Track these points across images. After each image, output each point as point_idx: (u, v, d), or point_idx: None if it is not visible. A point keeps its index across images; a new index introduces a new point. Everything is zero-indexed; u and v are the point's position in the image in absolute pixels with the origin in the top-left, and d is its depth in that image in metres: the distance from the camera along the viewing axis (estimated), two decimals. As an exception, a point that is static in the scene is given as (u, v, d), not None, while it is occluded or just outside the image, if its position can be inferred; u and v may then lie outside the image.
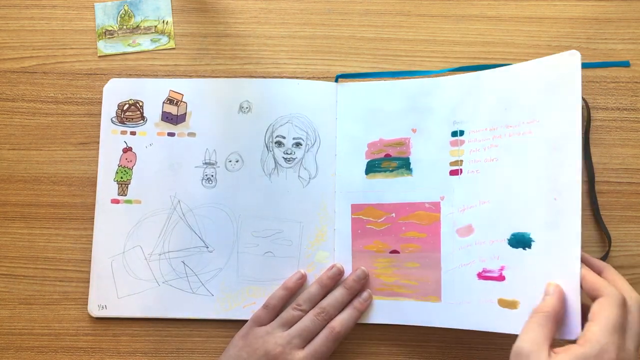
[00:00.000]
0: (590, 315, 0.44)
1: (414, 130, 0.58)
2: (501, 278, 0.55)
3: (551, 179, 0.52)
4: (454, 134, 0.57)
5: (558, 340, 0.51)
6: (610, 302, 0.44)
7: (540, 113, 0.53)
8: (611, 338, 0.42)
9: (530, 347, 0.43)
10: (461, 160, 0.56)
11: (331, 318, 0.54)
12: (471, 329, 0.54)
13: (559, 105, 0.52)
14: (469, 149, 0.56)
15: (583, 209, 0.55)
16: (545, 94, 0.52)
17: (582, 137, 0.58)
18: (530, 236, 0.54)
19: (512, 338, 0.56)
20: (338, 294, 0.55)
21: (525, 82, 0.54)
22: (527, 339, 0.44)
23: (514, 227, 0.54)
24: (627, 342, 0.43)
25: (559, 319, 0.46)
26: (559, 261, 0.52)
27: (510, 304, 0.54)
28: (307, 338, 0.52)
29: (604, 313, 0.43)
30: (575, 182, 0.50)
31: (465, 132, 0.56)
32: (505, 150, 0.54)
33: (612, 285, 0.45)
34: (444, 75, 0.59)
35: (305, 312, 0.54)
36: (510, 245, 0.54)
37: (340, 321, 0.53)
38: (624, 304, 0.44)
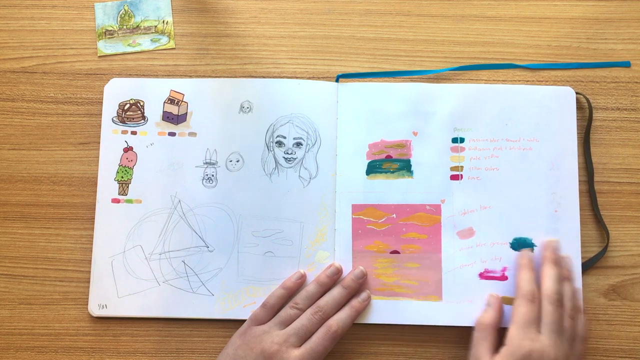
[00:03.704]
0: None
1: (414, 133, 0.58)
2: (504, 278, 0.56)
3: (551, 192, 0.56)
4: (455, 140, 0.58)
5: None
6: (519, 302, 0.52)
7: (540, 134, 0.57)
8: (524, 333, 0.50)
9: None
10: (462, 166, 0.57)
11: (328, 317, 0.53)
12: (473, 325, 0.54)
13: (557, 130, 0.57)
14: (469, 156, 0.57)
15: (582, 208, 0.57)
16: (545, 118, 0.57)
17: (583, 137, 0.58)
18: (532, 241, 0.56)
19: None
20: (336, 292, 0.55)
21: (526, 103, 0.58)
22: (474, 353, 0.52)
23: (515, 232, 0.56)
24: (541, 331, 0.50)
25: (499, 325, 0.53)
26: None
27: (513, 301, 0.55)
28: (304, 337, 0.52)
29: (516, 312, 0.51)
30: (573, 198, 0.56)
31: (465, 140, 0.57)
32: (506, 161, 0.57)
33: (533, 282, 0.53)
34: (444, 76, 0.60)
35: (303, 310, 0.54)
36: (513, 249, 0.56)
37: (338, 320, 0.53)
38: (533, 299, 0.51)
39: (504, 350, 0.50)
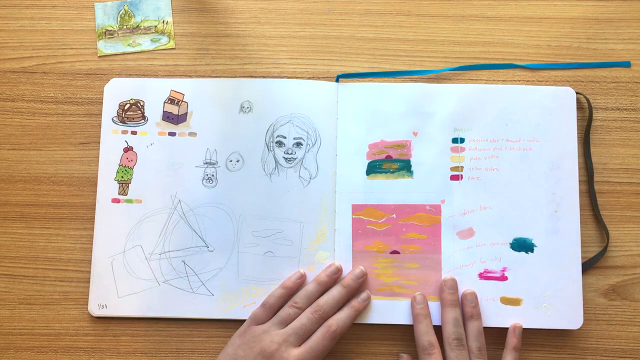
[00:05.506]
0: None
1: (414, 133, 0.58)
2: (503, 278, 0.56)
3: (551, 192, 0.56)
4: (455, 140, 0.58)
5: (562, 330, 0.55)
6: (420, 358, 0.52)
7: (540, 135, 0.57)
8: None
9: None
10: (462, 167, 0.57)
11: (328, 316, 0.53)
12: None
13: (557, 130, 0.57)
14: (469, 156, 0.57)
15: (582, 208, 0.57)
16: (545, 118, 0.57)
17: (583, 137, 0.58)
18: (533, 241, 0.56)
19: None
20: (335, 292, 0.54)
21: (526, 103, 0.58)
22: None
23: (515, 233, 0.56)
24: None
25: None
26: (560, 262, 0.56)
27: (513, 302, 0.55)
28: (304, 336, 0.52)
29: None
30: (573, 198, 0.56)
31: (465, 140, 0.57)
32: (506, 162, 0.57)
33: None
34: (444, 76, 0.60)
35: (302, 310, 0.54)
36: (513, 249, 0.56)
37: (337, 320, 0.53)
38: (432, 351, 0.52)
39: None
